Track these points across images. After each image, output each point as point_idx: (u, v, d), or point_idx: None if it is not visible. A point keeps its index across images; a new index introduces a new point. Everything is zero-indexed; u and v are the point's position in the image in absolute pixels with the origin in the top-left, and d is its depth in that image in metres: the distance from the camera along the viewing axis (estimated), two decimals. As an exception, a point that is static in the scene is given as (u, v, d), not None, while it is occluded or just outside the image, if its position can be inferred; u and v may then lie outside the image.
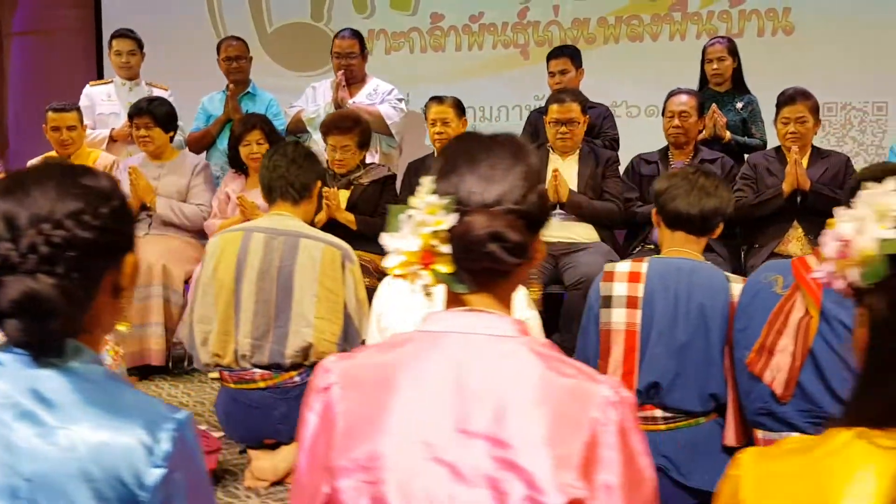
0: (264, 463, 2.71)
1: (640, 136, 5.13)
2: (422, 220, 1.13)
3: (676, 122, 3.94)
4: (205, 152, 4.59)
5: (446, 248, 1.12)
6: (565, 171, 3.96)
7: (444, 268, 1.13)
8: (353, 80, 4.64)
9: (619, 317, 2.36)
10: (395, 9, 6.08)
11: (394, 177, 4.06)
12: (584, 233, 3.87)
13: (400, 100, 4.56)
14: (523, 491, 1.03)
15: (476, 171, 1.14)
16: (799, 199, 3.70)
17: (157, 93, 4.69)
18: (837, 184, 3.74)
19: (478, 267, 1.12)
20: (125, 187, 4.02)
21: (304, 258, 2.70)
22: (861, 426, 0.98)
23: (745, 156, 4.15)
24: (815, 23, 5.62)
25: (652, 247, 3.92)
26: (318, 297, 2.65)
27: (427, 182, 1.16)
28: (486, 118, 6.01)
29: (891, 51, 5.47)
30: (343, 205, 3.90)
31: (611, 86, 5.85)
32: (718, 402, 2.33)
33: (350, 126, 3.94)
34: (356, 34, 4.74)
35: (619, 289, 2.38)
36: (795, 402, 2.08)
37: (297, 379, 2.65)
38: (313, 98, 4.70)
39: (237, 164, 4.10)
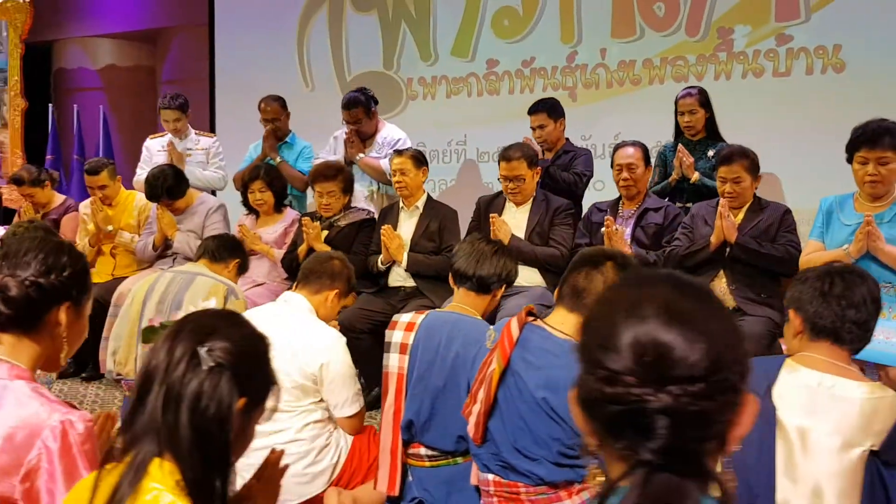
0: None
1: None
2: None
3: (625, 174, 4.09)
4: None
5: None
6: (517, 218, 4.25)
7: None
8: (364, 136, 5.10)
9: (394, 361, 2.70)
10: (455, 55, 6.54)
11: (372, 220, 4.51)
12: (527, 275, 4.12)
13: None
14: None
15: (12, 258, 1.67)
16: (728, 250, 3.74)
17: (203, 140, 5.51)
18: (769, 236, 3.74)
19: None
20: (154, 223, 4.80)
21: (195, 289, 3.30)
22: None
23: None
24: (868, 60, 5.40)
25: (593, 291, 4.09)
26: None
27: None
28: (536, 157, 6.28)
29: (949, 87, 5.17)
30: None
31: (655, 125, 5.93)
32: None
33: (334, 174, 4.47)
34: (357, 101, 5.05)
35: (397, 336, 2.72)
36: (488, 447, 2.33)
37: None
38: (334, 148, 5.22)
39: (249, 206, 4.74)
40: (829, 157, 5.33)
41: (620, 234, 3.96)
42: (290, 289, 4.41)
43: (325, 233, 4.44)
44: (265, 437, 2.79)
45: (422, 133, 6.56)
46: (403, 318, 2.77)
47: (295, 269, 4.45)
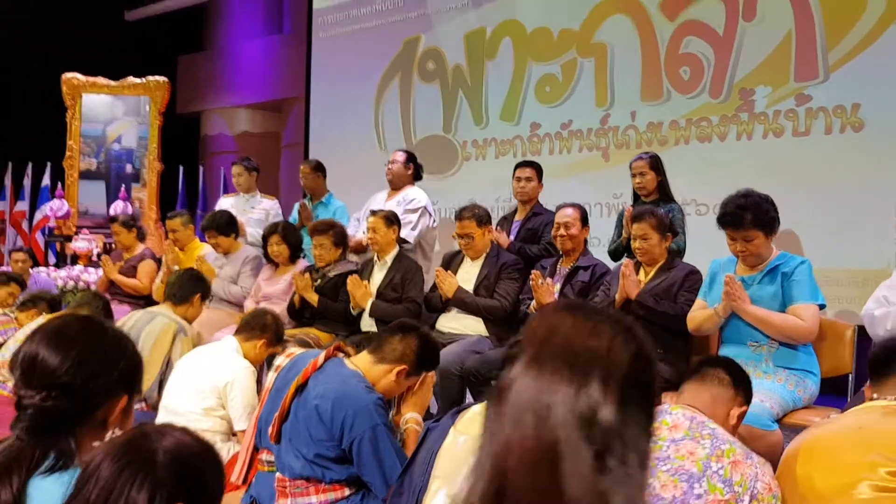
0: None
1: (708, 232, 5.35)
2: None
3: (562, 230, 4.40)
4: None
5: None
6: (470, 272, 4.66)
7: None
8: (393, 185, 5.75)
9: (269, 380, 3.27)
10: (503, 120, 7.02)
11: (356, 272, 5.07)
12: (472, 325, 4.52)
13: (413, 210, 5.52)
14: None
15: None
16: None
17: (266, 202, 6.34)
18: (670, 295, 3.91)
19: None
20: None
21: (151, 326, 4.04)
22: None
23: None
24: (886, 118, 5.31)
25: (529, 341, 4.41)
26: (149, 350, 3.97)
27: None
28: (573, 215, 6.59)
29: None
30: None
31: (681, 184, 6.06)
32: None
33: (325, 229, 5.12)
34: (406, 151, 5.87)
35: (278, 360, 3.29)
36: (281, 447, 2.84)
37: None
38: (371, 204, 5.86)
39: (269, 258, 5.47)
40: (848, 215, 5.32)
41: (547, 287, 4.27)
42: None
43: (318, 282, 5.07)
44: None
45: (474, 191, 7.04)
46: (292, 348, 3.36)
47: (294, 314, 5.15)
